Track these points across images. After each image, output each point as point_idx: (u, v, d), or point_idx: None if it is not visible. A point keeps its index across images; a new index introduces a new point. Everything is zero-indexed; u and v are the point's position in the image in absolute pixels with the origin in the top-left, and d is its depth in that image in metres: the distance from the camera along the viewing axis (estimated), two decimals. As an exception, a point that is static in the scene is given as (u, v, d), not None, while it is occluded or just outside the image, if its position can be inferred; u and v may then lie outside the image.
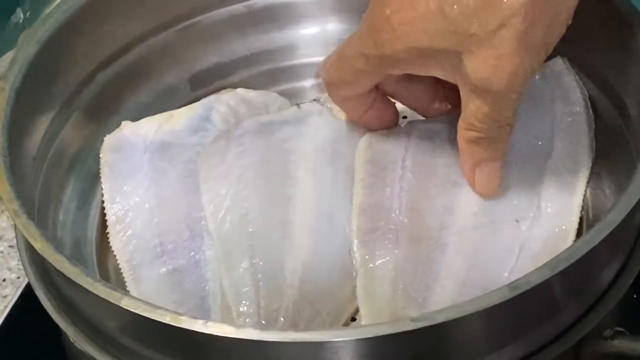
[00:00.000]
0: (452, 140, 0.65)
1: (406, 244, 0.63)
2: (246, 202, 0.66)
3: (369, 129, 0.70)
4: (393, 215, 0.64)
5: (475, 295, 0.55)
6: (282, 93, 0.77)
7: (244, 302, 0.62)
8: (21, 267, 0.70)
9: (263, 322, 0.61)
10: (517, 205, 0.64)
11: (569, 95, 0.69)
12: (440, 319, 0.50)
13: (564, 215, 0.63)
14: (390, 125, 0.69)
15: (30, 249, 0.61)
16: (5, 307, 0.73)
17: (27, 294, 0.72)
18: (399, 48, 0.58)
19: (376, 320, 0.60)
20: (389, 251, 0.63)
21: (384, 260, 0.63)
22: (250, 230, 0.65)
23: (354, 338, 0.51)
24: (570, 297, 0.55)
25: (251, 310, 0.61)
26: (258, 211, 0.66)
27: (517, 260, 0.62)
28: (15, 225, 0.61)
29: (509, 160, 0.65)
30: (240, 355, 0.53)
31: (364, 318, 0.61)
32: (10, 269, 0.77)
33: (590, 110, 0.68)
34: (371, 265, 0.63)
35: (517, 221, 0.63)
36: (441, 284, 0.61)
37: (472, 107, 0.59)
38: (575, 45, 0.69)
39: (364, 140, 0.69)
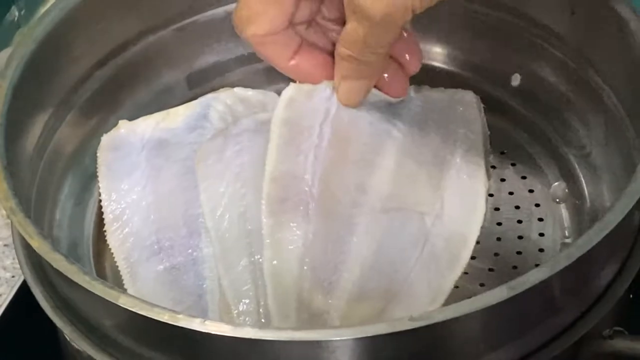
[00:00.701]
0: (375, 117, 0.67)
1: (317, 218, 0.63)
2: (244, 200, 0.66)
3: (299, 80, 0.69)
4: (305, 186, 0.64)
5: (381, 283, 0.59)
6: (279, 92, 0.76)
7: (243, 300, 0.62)
8: (16, 265, 0.70)
9: (263, 320, 0.61)
10: (423, 199, 0.65)
11: (471, 126, 0.70)
12: (438, 318, 0.50)
13: (465, 221, 0.64)
14: (321, 77, 0.68)
15: (26, 247, 0.61)
16: (0, 305, 0.73)
17: (22, 293, 0.72)
18: None
19: (283, 303, 0.60)
20: (299, 224, 0.63)
21: (293, 234, 0.62)
22: (249, 227, 0.65)
23: (351, 337, 0.51)
24: (569, 297, 0.55)
25: (251, 309, 0.61)
26: (256, 209, 0.65)
27: (422, 253, 0.62)
28: (11, 223, 0.61)
29: (420, 154, 0.67)
30: (238, 354, 0.53)
31: (269, 298, 0.61)
32: (4, 268, 0.76)
33: (488, 144, 0.69)
34: (279, 235, 0.63)
35: (421, 214, 0.64)
36: (349, 268, 0.62)
37: (349, 28, 0.61)
38: (573, 42, 0.70)
39: (284, 98, 0.69)
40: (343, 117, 0.68)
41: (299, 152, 0.66)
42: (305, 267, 0.61)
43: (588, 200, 0.66)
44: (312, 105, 0.68)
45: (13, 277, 0.76)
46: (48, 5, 0.93)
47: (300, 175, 0.65)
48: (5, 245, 0.77)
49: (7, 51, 0.85)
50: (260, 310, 0.61)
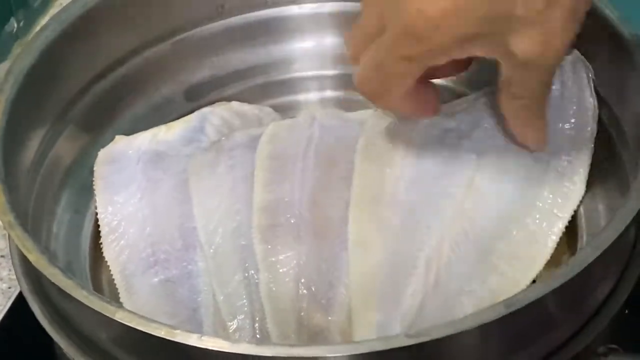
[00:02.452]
0: (355, 137, 0.68)
1: (308, 238, 0.64)
2: (238, 215, 0.66)
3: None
4: (294, 209, 0.65)
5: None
6: (276, 107, 0.77)
7: (238, 317, 0.62)
8: (12, 277, 0.70)
9: (258, 336, 0.61)
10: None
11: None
12: (435, 335, 0.50)
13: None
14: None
15: (24, 260, 0.61)
16: (-4, 317, 0.73)
17: (18, 305, 0.72)
18: (444, 39, 0.57)
19: (282, 324, 0.61)
20: (291, 246, 0.63)
21: (286, 255, 0.63)
22: (242, 243, 0.65)
23: (347, 354, 0.51)
24: (564, 314, 0.56)
25: (246, 325, 0.61)
26: (250, 224, 0.66)
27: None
28: (8, 236, 0.61)
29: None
30: (234, 370, 0.53)
31: (268, 319, 0.61)
32: (1, 279, 0.76)
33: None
34: (273, 259, 0.63)
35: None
36: (345, 283, 0.62)
37: (518, 79, 0.60)
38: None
39: (266, 134, 0.69)
40: (328, 140, 0.69)
41: (284, 179, 0.66)
42: (301, 287, 0.62)
43: (583, 217, 0.66)
44: (294, 137, 0.69)
45: (9, 288, 0.75)
46: (47, 17, 0.93)
47: (288, 200, 0.65)
48: (1, 256, 0.77)
49: (5, 65, 0.85)
50: (256, 325, 0.61)
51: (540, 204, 0.63)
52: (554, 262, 0.62)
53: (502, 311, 0.51)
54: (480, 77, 0.73)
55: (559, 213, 0.63)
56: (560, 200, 0.64)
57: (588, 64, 0.68)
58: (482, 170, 0.65)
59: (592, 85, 0.67)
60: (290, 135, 0.69)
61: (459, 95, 0.73)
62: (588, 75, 0.68)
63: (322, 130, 0.70)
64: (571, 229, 0.64)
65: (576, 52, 0.68)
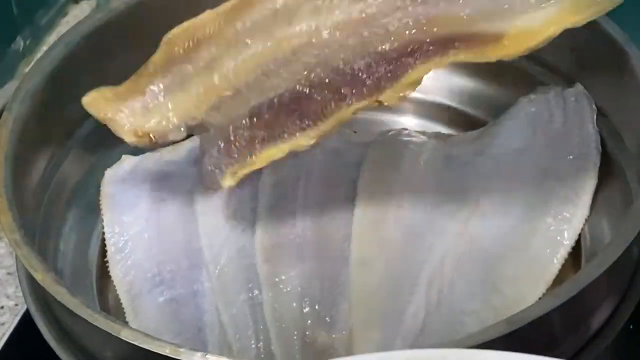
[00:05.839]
0: (357, 158, 0.69)
1: (311, 257, 0.64)
2: (243, 235, 0.67)
3: None
4: (297, 229, 0.66)
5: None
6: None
7: (243, 337, 0.62)
8: (19, 294, 0.70)
9: (262, 356, 0.61)
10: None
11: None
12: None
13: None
14: None
15: (30, 279, 0.61)
16: (3, 334, 0.73)
17: (25, 322, 0.72)
18: None
19: (287, 345, 0.61)
20: (294, 265, 0.64)
21: (289, 274, 0.64)
22: (247, 262, 0.66)
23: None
24: (569, 331, 0.56)
25: (251, 345, 0.62)
26: (254, 244, 0.66)
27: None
28: (15, 254, 0.61)
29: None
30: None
31: (273, 339, 0.62)
32: (8, 297, 0.76)
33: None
34: (277, 279, 0.64)
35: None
36: (348, 299, 0.62)
37: None
38: (573, 77, 0.71)
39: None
40: (330, 162, 0.70)
41: (287, 202, 0.67)
42: (305, 306, 0.62)
43: (588, 235, 0.66)
44: (296, 166, 0.69)
45: (16, 305, 0.75)
46: (53, 35, 0.94)
47: (291, 220, 0.66)
48: (8, 273, 0.77)
49: (12, 83, 0.86)
50: (260, 345, 0.62)
51: (544, 230, 0.64)
52: (558, 281, 0.62)
53: (504, 329, 0.51)
54: (498, 102, 0.74)
55: (562, 240, 0.64)
56: (563, 227, 0.64)
57: (590, 97, 0.69)
58: (486, 195, 0.66)
59: (595, 117, 0.68)
60: (292, 160, 0.69)
61: (475, 121, 0.75)
62: (591, 108, 0.68)
63: (324, 152, 0.70)
64: (575, 248, 0.64)
65: (579, 86, 0.69)
